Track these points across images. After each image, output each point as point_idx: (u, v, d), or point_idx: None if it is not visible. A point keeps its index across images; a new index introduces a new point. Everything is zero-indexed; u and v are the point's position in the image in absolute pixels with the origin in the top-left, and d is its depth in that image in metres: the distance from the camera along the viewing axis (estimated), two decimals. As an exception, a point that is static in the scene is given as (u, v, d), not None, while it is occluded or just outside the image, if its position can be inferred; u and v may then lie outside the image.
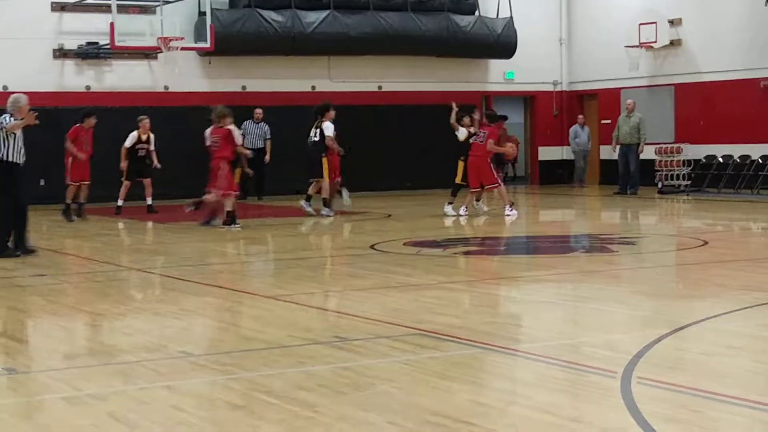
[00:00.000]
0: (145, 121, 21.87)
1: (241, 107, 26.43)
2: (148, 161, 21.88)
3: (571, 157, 29.98)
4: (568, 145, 30.10)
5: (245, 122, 24.81)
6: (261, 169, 24.75)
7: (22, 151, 14.27)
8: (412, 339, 8.36)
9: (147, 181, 22.03)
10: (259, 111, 25.44)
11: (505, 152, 21.75)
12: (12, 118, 14.21)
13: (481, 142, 19.94)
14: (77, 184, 20.72)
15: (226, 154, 18.15)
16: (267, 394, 6.71)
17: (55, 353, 8.36)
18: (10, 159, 14.16)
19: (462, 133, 20.54)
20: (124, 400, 6.75)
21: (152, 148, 21.90)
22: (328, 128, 20.07)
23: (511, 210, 19.81)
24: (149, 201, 22.04)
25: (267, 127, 25.46)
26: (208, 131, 18.78)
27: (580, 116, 29.52)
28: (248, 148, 22.28)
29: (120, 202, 21.93)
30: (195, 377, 7.40)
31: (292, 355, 7.93)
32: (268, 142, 25.39)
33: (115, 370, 7.65)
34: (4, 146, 14.11)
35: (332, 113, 20.27)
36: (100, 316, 10.01)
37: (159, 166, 21.85)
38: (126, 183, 21.96)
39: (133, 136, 21.79)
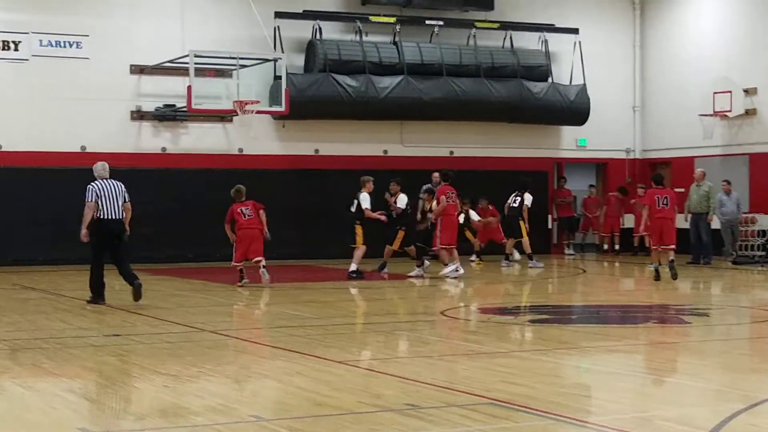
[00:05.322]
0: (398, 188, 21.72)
1: (313, 170, 26.72)
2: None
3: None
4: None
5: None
6: None
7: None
8: (484, 408, 8.32)
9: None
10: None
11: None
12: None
13: (666, 205, 20.72)
14: None
15: None
16: (338, 461, 6.71)
17: (126, 414, 8.42)
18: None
19: (528, 199, 24.53)
20: (196, 464, 6.79)
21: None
22: (528, 199, 24.73)
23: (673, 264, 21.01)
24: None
25: None
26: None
27: (725, 182, 26.18)
28: None
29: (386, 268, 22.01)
30: (266, 442, 7.43)
31: (363, 422, 7.92)
32: None
33: (187, 432, 7.71)
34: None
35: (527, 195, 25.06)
36: (173, 377, 10.08)
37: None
38: (413, 249, 21.93)
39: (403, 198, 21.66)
